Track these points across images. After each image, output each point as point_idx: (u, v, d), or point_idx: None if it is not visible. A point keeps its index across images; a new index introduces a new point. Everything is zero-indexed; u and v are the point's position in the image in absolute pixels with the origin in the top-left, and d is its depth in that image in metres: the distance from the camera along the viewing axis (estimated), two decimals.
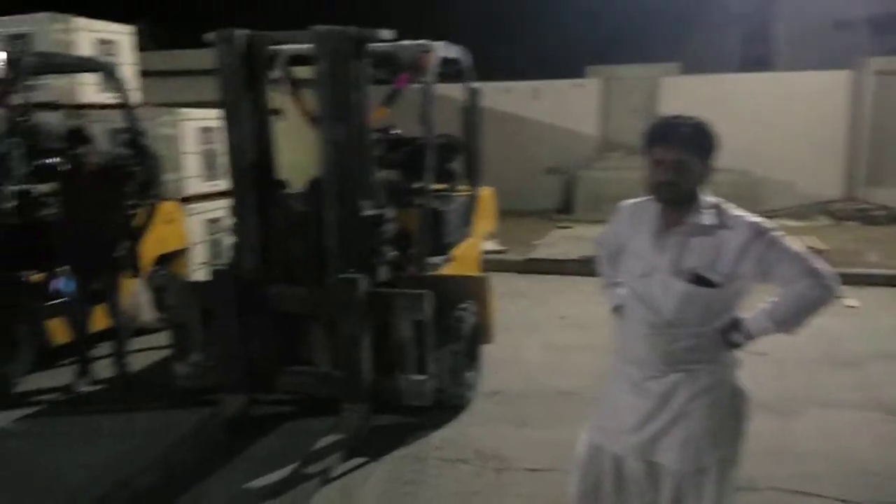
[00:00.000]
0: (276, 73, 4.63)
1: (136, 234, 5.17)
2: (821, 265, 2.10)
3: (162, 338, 5.16)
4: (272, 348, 4.25)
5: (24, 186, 5.12)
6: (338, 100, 4.00)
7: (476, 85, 5.51)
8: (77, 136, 4.90)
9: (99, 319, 4.98)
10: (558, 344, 5.58)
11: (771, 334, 2.19)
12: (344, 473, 3.64)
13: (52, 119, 6.18)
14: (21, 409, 4.54)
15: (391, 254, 4.35)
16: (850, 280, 5.53)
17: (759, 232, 2.08)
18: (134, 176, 5.40)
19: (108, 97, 6.26)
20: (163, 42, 11.87)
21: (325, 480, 3.52)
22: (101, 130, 6.12)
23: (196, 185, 6.99)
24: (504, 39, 15.98)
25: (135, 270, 4.97)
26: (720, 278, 2.09)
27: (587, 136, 12.03)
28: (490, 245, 7.64)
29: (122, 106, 5.83)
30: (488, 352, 4.78)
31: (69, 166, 4.99)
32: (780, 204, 10.47)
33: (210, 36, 4.11)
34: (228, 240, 4.72)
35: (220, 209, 6.93)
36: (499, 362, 4.93)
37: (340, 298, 3.98)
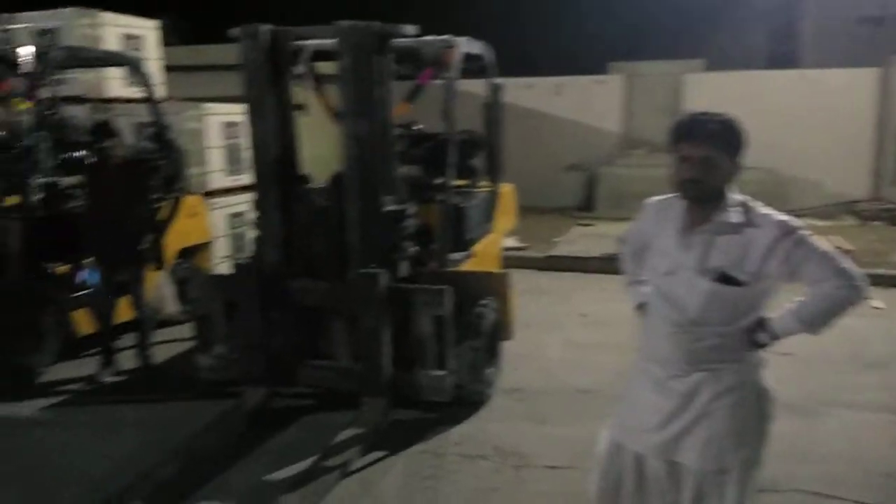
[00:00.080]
0: (299, 69, 4.63)
1: (160, 228, 5.21)
2: (849, 265, 2.06)
3: (185, 330, 5.23)
4: (293, 342, 4.27)
5: (51, 179, 5.18)
6: (361, 95, 4.01)
7: (498, 81, 5.49)
8: (103, 130, 4.97)
9: (123, 311, 5.04)
10: (579, 341, 5.55)
11: (797, 334, 2.15)
12: (363, 467, 3.65)
13: (78, 113, 6.26)
14: (46, 399, 4.61)
15: (412, 249, 4.35)
16: (876, 281, 5.39)
17: (787, 230, 2.05)
18: (159, 170, 5.46)
19: (133, 91, 6.31)
20: (187, 37, 11.94)
21: (344, 473, 3.53)
22: (126, 124, 6.20)
23: (220, 180, 7.07)
24: (527, 35, 15.94)
25: (159, 263, 5.03)
26: (746, 277, 2.06)
27: (609, 132, 11.93)
28: (511, 242, 7.63)
29: (148, 100, 5.89)
30: (508, 348, 4.77)
31: (95, 159, 5.06)
32: (806, 203, 10.29)
33: (234, 31, 4.14)
34: (251, 234, 4.76)
35: (244, 203, 7.01)
36: (519, 359, 4.92)
37: (361, 293, 3.99)
